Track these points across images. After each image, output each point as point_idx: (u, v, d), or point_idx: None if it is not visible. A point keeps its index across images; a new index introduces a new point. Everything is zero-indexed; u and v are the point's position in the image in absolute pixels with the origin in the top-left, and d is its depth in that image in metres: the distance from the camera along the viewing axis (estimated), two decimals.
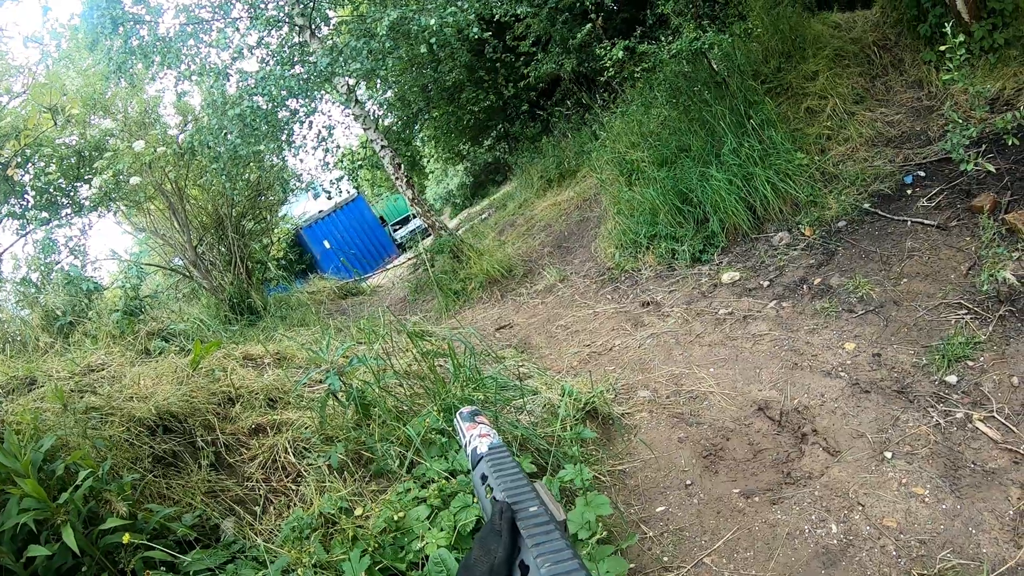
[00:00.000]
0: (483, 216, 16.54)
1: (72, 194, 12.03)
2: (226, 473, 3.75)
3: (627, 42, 7.63)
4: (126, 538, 2.51)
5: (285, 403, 4.53)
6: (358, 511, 2.92)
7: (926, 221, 5.32)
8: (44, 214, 11.31)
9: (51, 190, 11.35)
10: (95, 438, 3.32)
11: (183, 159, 11.70)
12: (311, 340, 6.97)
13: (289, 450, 3.69)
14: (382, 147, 11.63)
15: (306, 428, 3.85)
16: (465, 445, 1.05)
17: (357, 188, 18.06)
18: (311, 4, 11.08)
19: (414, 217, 25.00)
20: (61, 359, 6.05)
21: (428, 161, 21.60)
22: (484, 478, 0.93)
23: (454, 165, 24.36)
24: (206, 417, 4.12)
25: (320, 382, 4.70)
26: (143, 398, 4.19)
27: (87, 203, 11.28)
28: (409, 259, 17.71)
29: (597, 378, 5.09)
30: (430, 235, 22.74)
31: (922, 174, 5.99)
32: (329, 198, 14.33)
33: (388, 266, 20.78)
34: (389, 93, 16.36)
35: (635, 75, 8.25)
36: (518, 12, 11.90)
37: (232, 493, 3.57)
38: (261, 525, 3.28)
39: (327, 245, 21.95)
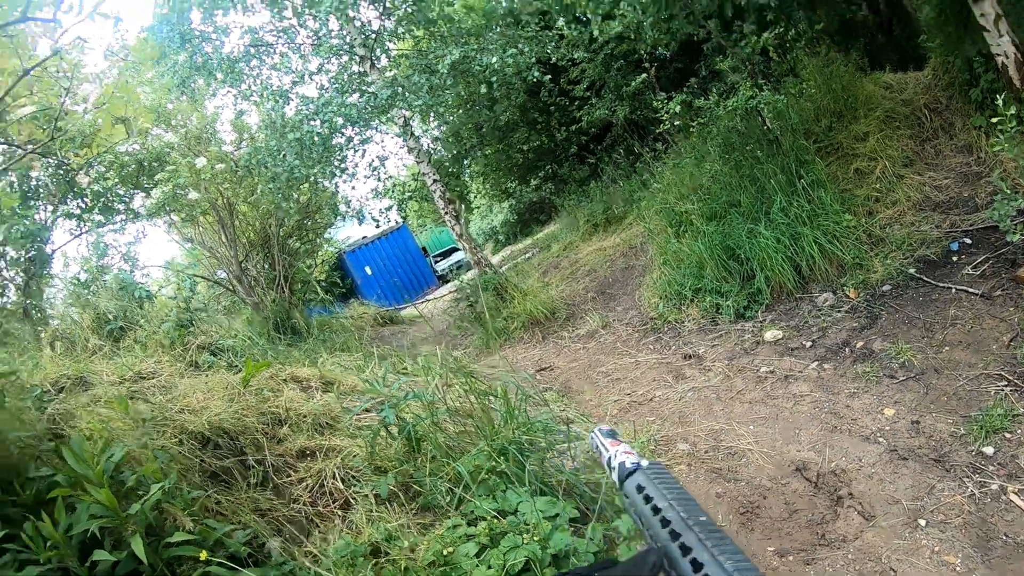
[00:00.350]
0: (527, 255, 16.82)
1: (128, 201, 12.60)
2: (273, 493, 3.94)
3: (684, 96, 7.87)
4: (203, 555, 2.72)
5: (333, 429, 4.77)
6: (406, 542, 3.12)
7: (970, 289, 5.44)
8: (99, 217, 11.85)
9: (108, 195, 11.92)
10: (155, 449, 3.54)
11: (236, 176, 12.17)
12: (355, 366, 7.24)
13: (337, 476, 3.91)
14: (434, 181, 12.01)
15: (355, 456, 4.07)
16: (608, 459, 1.11)
17: (404, 218, 18.48)
18: (373, 36, 11.55)
19: (457, 251, 25.52)
20: (111, 363, 6.39)
21: (475, 196, 22.03)
22: (640, 488, 0.98)
23: (500, 202, 24.77)
24: (256, 436, 4.35)
25: (370, 411, 4.94)
26: (195, 411, 4.46)
27: (143, 211, 11.80)
28: (451, 292, 18.03)
29: (638, 428, 5.26)
30: (472, 269, 23.12)
31: (968, 241, 6.11)
32: (377, 226, 14.76)
33: (428, 297, 21.14)
34: (442, 128, 16.86)
35: (690, 128, 8.46)
36: (575, 57, 12.28)
37: (279, 513, 3.74)
38: (306, 548, 3.48)
39: (369, 271, 22.42)
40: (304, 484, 3.95)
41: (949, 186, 7.08)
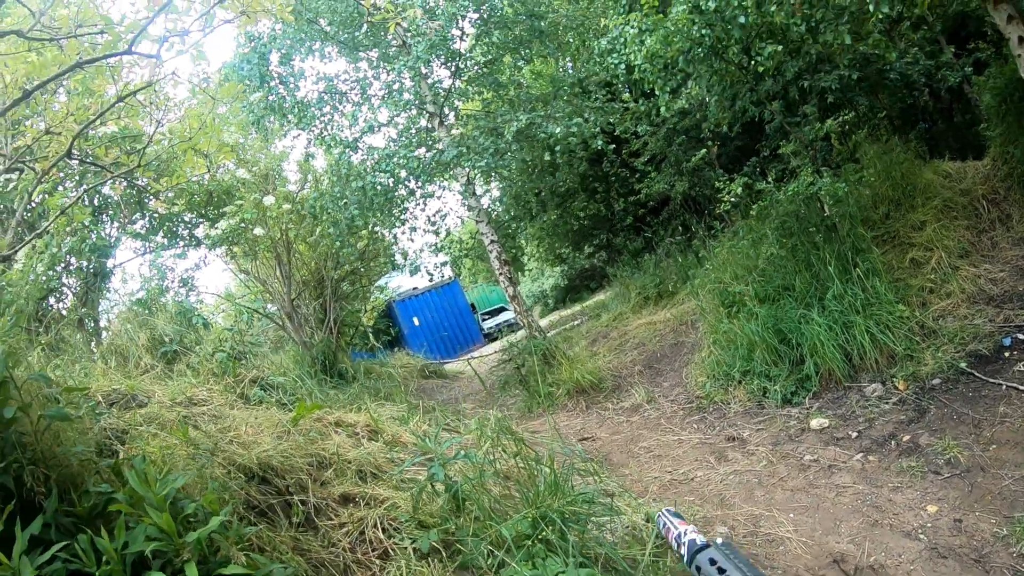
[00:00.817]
0: (576, 322, 17.02)
1: (192, 228, 13.19)
2: (313, 535, 4.05)
3: (746, 179, 8.08)
4: None
5: (377, 478, 4.95)
6: None
7: (1021, 387, 5.47)
8: (163, 240, 12.44)
9: (174, 221, 12.52)
10: (212, 480, 3.74)
11: (299, 216, 12.64)
12: (399, 417, 7.45)
13: (379, 526, 4.08)
14: (491, 241, 12.34)
15: (397, 508, 4.25)
16: (678, 535, 1.22)
17: (458, 275, 18.90)
18: (443, 94, 12.08)
19: (505, 310, 25.85)
20: (163, 384, 6.70)
21: (528, 259, 22.41)
22: (713, 562, 1.08)
23: (552, 267, 25.14)
24: (300, 476, 4.54)
25: (414, 464, 5.13)
26: (245, 444, 4.68)
27: (206, 240, 12.34)
28: (496, 352, 18.25)
29: (678, 507, 5.35)
30: (518, 330, 23.37)
31: (1021, 337, 6.15)
32: (431, 279, 15.14)
33: (473, 354, 21.39)
34: (498, 190, 17.31)
35: (750, 211, 8.63)
36: (638, 129, 12.63)
37: (317, 555, 3.84)
38: None
39: (416, 322, 22.87)
40: (345, 529, 4.08)
41: (1004, 279, 7.12)
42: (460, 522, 3.96)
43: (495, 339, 23.80)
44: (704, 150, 12.98)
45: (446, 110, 12.55)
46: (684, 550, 1.18)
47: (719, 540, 1.15)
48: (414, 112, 12.50)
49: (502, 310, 25.96)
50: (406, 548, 3.84)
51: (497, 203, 15.81)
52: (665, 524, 1.33)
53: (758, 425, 6.90)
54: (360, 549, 3.94)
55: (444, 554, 3.80)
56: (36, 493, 2.85)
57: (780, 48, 7.69)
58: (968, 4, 8.91)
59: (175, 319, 8.69)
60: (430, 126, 12.43)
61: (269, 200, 10.81)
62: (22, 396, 2.99)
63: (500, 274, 12.44)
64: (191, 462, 3.87)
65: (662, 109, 9.24)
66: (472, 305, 25.94)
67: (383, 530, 4.02)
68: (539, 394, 10.26)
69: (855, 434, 5.94)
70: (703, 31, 7.62)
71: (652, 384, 9.30)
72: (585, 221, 17.09)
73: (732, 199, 8.21)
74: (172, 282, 12.38)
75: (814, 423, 6.39)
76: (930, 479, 4.87)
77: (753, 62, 8.14)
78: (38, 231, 7.16)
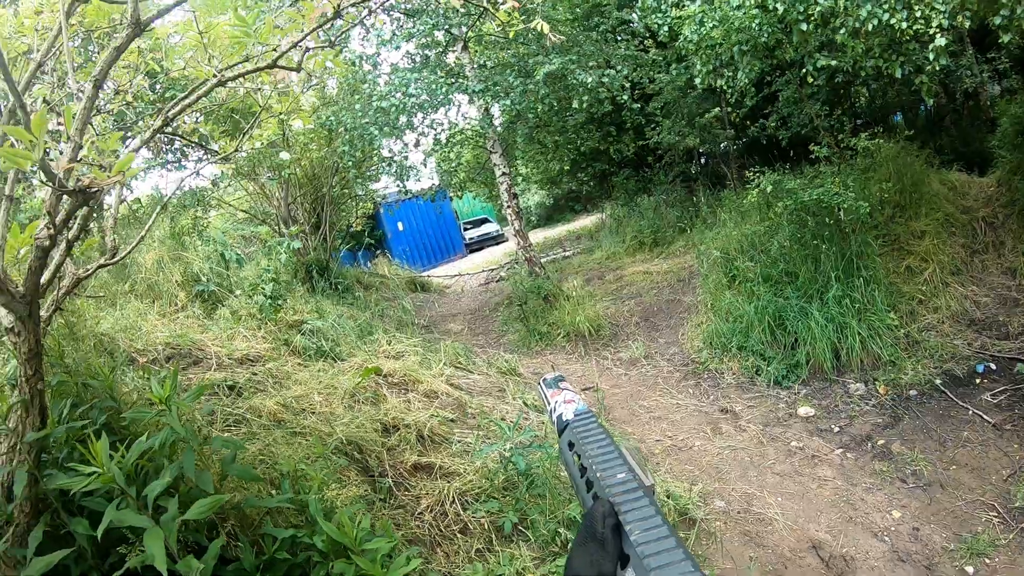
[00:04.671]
0: (566, 252, 17.95)
1: (206, 144, 13.52)
2: (401, 510, 4.61)
3: (776, 175, 8.91)
4: None
5: (436, 445, 5.79)
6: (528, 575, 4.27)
7: (985, 416, 6.65)
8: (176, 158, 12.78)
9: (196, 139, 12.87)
10: (323, 470, 4.07)
11: (317, 132, 13.00)
12: (411, 348, 8.29)
13: (457, 500, 4.94)
14: (503, 173, 13.04)
15: (469, 482, 5.12)
16: (551, 411, 1.08)
17: (459, 194, 19.32)
18: (474, 16, 12.39)
19: (488, 222, 26.62)
20: (204, 330, 7.36)
21: (518, 177, 23.03)
22: (571, 445, 0.97)
23: (542, 187, 25.80)
24: (376, 448, 5.28)
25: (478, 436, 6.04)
26: (324, 418, 5.45)
27: (224, 165, 12.73)
28: (484, 271, 19.06)
29: (679, 476, 6.48)
30: (499, 243, 24.15)
31: (993, 367, 7.31)
32: (432, 201, 15.79)
33: (456, 265, 22.19)
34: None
35: (769, 203, 9.40)
36: (656, 76, 13.26)
37: (410, 531, 4.42)
38: (433, 565, 4.23)
39: (400, 227, 23.55)
40: (424, 503, 4.72)
41: (988, 305, 8.25)
42: (529, 501, 4.82)
43: (476, 251, 24.63)
44: (717, 108, 13.73)
45: (468, 32, 12.81)
46: (556, 430, 1.08)
47: (572, 414, 1.06)
48: (440, 34, 12.79)
49: (485, 221, 26.72)
50: (480, 522, 4.60)
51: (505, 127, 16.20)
52: (544, 397, 1.17)
53: (750, 401, 8.03)
54: (442, 523, 4.58)
55: (512, 531, 4.50)
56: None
57: (834, 63, 8.45)
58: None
59: (208, 254, 8.88)
60: (453, 49, 12.79)
61: (298, 125, 11.24)
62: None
63: (508, 207, 13.17)
64: (299, 455, 4.30)
65: (697, 80, 9.95)
66: (455, 213, 26.65)
67: (461, 504, 4.74)
68: (538, 333, 11.23)
69: (837, 429, 7.11)
70: (765, 28, 8.29)
71: (649, 339, 10.35)
72: (585, 151, 17.66)
73: (759, 194, 9.00)
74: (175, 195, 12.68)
75: (801, 410, 7.55)
76: (898, 485, 6.06)
77: (804, 70, 8.89)
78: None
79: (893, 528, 5.53)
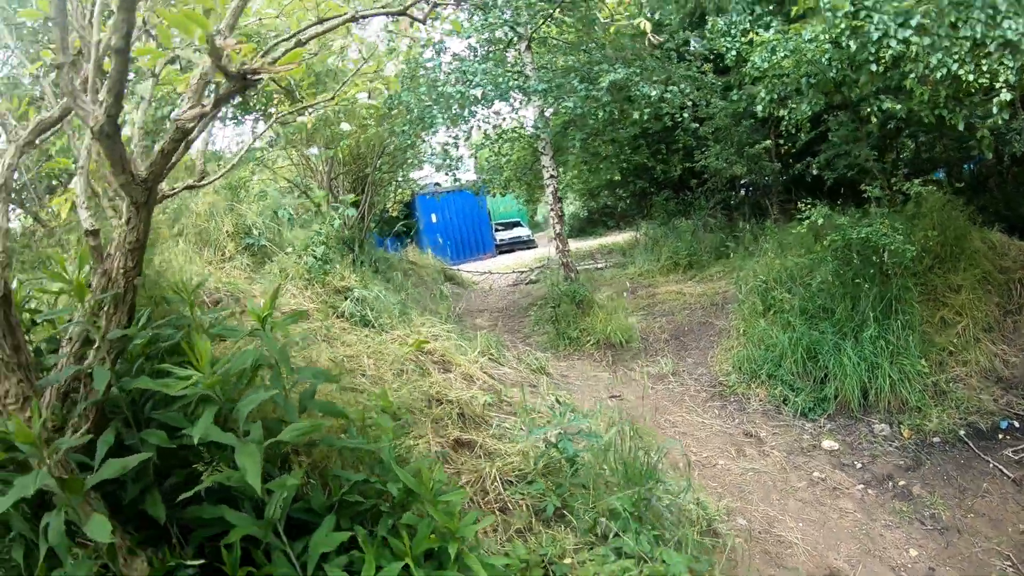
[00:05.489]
0: (598, 265, 18.24)
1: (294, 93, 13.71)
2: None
3: (827, 210, 9.14)
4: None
5: (476, 425, 6.06)
6: (568, 560, 4.50)
7: (1006, 471, 6.92)
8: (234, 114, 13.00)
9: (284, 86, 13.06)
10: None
11: (379, 110, 13.26)
12: (444, 334, 8.57)
13: (499, 479, 5.19)
14: (551, 176, 13.33)
15: (510, 463, 5.39)
16: None
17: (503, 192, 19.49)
18: (541, 19, 12.69)
19: (520, 226, 26.95)
20: (250, 281, 7.65)
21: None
22: None
23: (580, 197, 26.07)
24: (421, 418, 5.58)
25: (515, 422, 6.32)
26: (373, 380, 5.74)
27: (284, 129, 12.95)
28: (513, 273, 19.30)
29: (706, 490, 6.77)
30: (529, 248, 24.42)
31: (1016, 425, 7.58)
32: (477, 195, 16.03)
33: (483, 261, 22.47)
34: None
35: (823, 242, 9.57)
36: (711, 102, 13.53)
37: None
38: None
39: (434, 219, 23.89)
40: (466, 479, 4.87)
41: (1016, 365, 8.50)
42: (571, 488, 5.04)
43: (506, 252, 24.92)
44: (768, 141, 13.98)
45: (531, 33, 13.05)
46: None
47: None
48: (507, 31, 13.08)
49: (517, 224, 27.12)
50: (522, 504, 4.76)
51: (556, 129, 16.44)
52: None
53: (774, 429, 8.31)
54: (482, 500, 4.73)
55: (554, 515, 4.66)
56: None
57: (899, 107, 8.71)
58: None
59: (264, 212, 9.05)
60: (517, 49, 13.09)
61: (363, 97, 11.52)
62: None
63: (552, 210, 13.49)
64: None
65: (759, 108, 10.22)
66: (488, 213, 26.97)
67: (502, 483, 4.89)
68: (568, 337, 11.53)
69: (859, 465, 7.38)
70: (834, 63, 8.54)
71: (678, 357, 10.64)
72: (630, 167, 17.86)
73: (811, 226, 9.23)
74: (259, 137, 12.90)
75: (825, 443, 7.82)
76: (916, 526, 6.33)
77: (868, 111, 9.15)
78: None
79: (909, 565, 5.81)
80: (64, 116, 2.79)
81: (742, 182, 16.60)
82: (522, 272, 18.84)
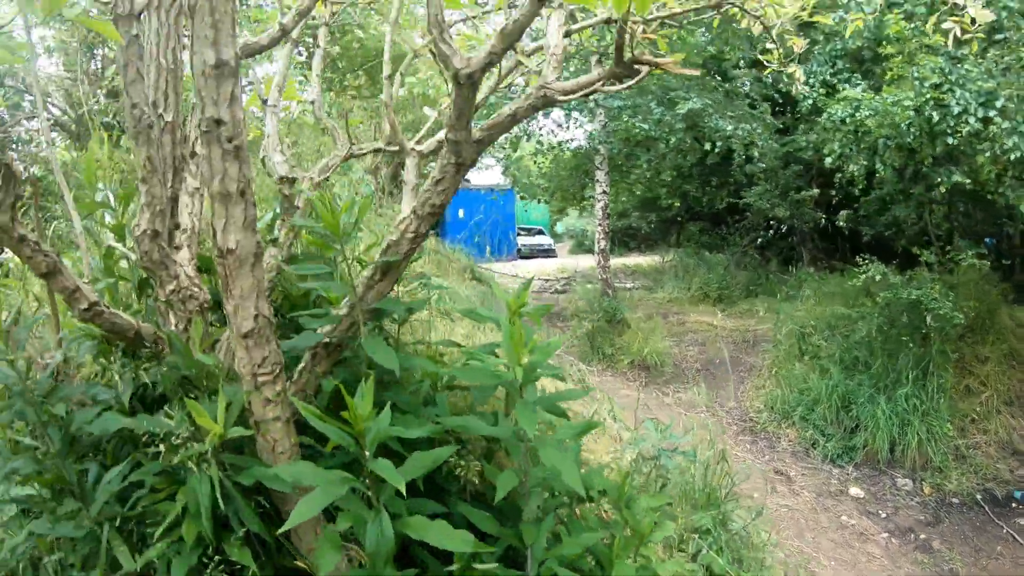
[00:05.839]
0: (627, 286, 18.76)
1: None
2: None
3: (884, 269, 9.66)
4: None
5: None
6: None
7: (1019, 538, 7.55)
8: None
9: None
10: None
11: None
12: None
13: None
14: (602, 192, 13.85)
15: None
16: None
17: (539, 198, 19.87)
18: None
19: (543, 234, 27.50)
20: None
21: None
22: None
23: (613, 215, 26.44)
24: None
25: None
26: None
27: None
28: (538, 280, 19.69)
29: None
30: (550, 256, 24.87)
31: None
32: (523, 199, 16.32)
33: (503, 264, 22.88)
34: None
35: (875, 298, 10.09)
36: (768, 142, 13.93)
37: None
38: None
39: (461, 214, 24.34)
40: None
41: None
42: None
43: (526, 258, 25.40)
44: (816, 191, 14.52)
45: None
46: None
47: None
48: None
49: (540, 232, 27.67)
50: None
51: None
52: None
53: (803, 470, 8.91)
54: None
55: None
56: None
57: (969, 181, 9.28)
58: None
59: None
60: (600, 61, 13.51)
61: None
62: None
63: (600, 226, 14.02)
64: None
65: (828, 159, 10.70)
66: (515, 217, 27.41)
67: None
68: (602, 352, 12.07)
69: (884, 515, 8.00)
70: (913, 130, 9.03)
71: (709, 387, 11.18)
72: (667, 194, 18.24)
73: (866, 281, 9.72)
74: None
75: (852, 491, 8.44)
76: None
77: (939, 180, 9.70)
78: None
79: None
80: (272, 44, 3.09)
81: (782, 227, 17.15)
82: (547, 280, 19.33)
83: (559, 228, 34.16)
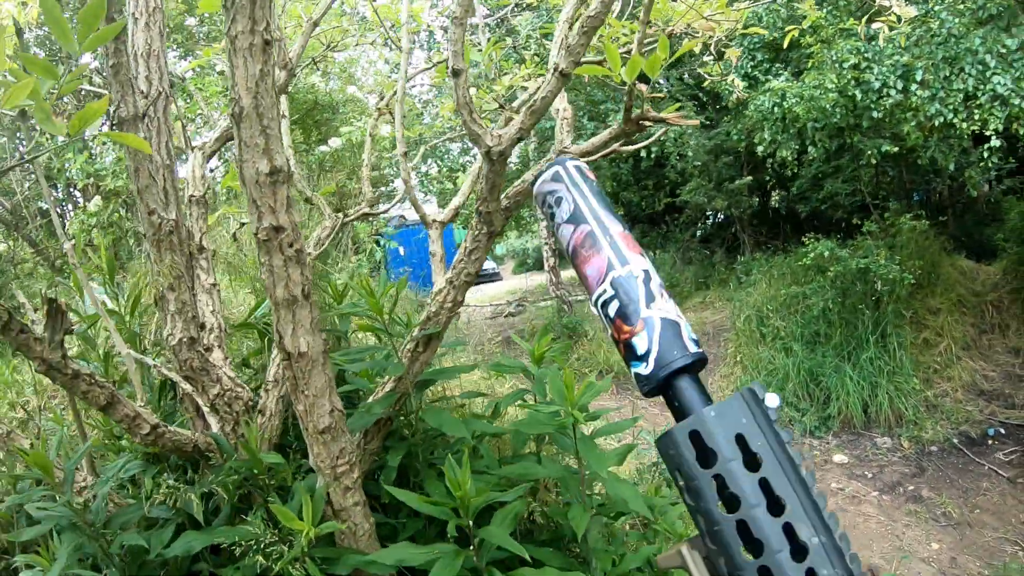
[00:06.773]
0: (577, 297, 19.13)
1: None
2: None
3: (833, 244, 10.14)
4: None
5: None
6: None
7: (1000, 471, 8.06)
8: None
9: None
10: None
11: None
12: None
13: None
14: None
15: None
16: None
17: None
18: None
19: (487, 260, 27.81)
20: None
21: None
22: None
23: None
24: None
25: None
26: None
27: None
28: (490, 306, 20.07)
29: None
30: (494, 281, 25.19)
31: (1003, 432, 8.76)
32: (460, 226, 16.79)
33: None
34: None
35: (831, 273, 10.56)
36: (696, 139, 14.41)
37: None
38: None
39: (402, 252, 24.53)
40: None
41: (995, 379, 9.72)
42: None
43: (471, 285, 25.71)
44: (750, 178, 15.01)
45: None
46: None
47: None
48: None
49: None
50: None
51: None
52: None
53: None
54: None
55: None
56: None
57: (897, 149, 9.84)
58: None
59: None
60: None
61: (386, 129, 12.06)
62: None
63: (546, 244, 14.49)
64: None
65: (759, 148, 11.16)
66: (458, 246, 27.62)
67: None
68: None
69: (870, 475, 8.45)
70: (839, 110, 9.55)
71: None
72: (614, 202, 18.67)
73: (815, 259, 10.19)
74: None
75: (836, 458, 8.88)
76: (931, 524, 7.41)
77: (868, 153, 10.26)
78: None
79: (935, 556, 6.86)
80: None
81: (719, 216, 17.66)
82: (498, 304, 19.65)
83: (499, 250, 34.43)
